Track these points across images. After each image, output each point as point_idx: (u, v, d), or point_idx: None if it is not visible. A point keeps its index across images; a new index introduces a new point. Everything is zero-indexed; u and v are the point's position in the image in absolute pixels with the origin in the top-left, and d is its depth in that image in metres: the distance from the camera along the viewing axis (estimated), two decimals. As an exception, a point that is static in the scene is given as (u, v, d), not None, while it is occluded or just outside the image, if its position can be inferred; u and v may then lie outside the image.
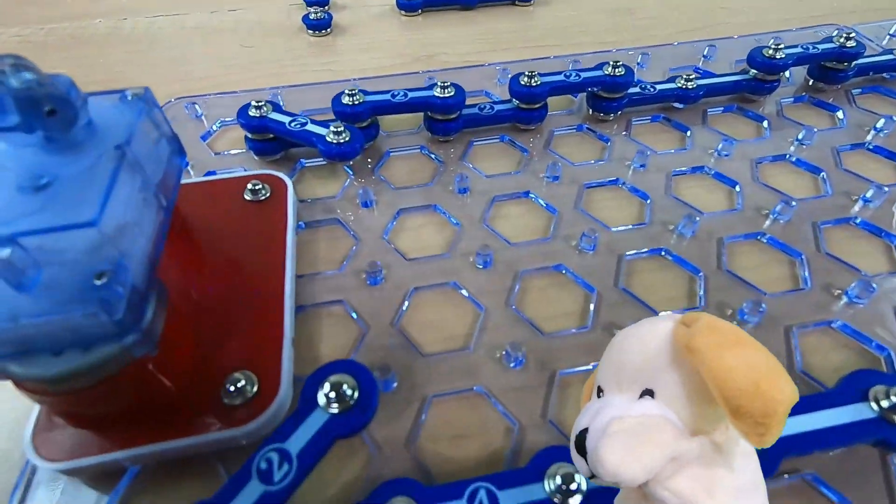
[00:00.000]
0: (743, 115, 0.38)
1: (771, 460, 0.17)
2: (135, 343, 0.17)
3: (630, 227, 0.29)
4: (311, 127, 0.31)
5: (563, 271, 0.27)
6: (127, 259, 0.17)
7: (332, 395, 0.19)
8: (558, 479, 0.18)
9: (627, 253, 0.28)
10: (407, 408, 0.22)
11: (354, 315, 0.25)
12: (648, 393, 0.12)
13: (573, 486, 0.18)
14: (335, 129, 0.29)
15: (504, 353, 0.23)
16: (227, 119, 0.37)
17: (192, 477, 0.20)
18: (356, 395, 0.19)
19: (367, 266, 0.26)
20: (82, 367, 0.17)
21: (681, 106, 0.37)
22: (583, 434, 0.12)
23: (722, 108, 0.38)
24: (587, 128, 0.36)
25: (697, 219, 0.28)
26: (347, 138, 0.30)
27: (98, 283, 0.16)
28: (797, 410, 0.19)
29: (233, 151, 0.35)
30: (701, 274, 0.27)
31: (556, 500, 0.17)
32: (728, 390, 0.10)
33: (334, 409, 0.19)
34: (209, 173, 0.32)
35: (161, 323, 0.19)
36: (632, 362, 0.12)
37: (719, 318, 0.12)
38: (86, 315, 0.16)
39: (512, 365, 0.23)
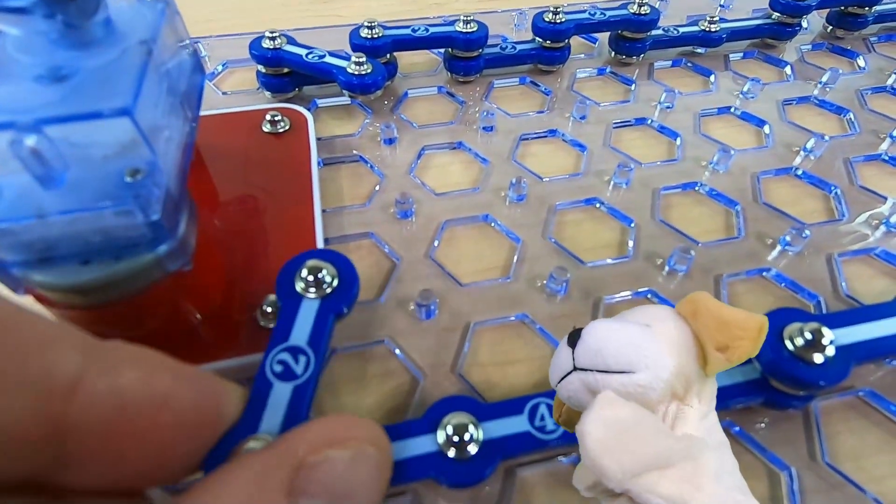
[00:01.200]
0: (764, 61, 0.37)
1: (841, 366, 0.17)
2: (169, 253, 0.16)
3: (661, 162, 0.29)
4: (329, 59, 0.29)
5: (598, 205, 0.26)
6: (160, 161, 0.16)
7: (311, 279, 0.17)
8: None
9: (662, 187, 0.27)
10: (450, 336, 0.21)
11: (386, 247, 0.24)
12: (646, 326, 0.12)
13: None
14: (357, 60, 0.28)
15: (546, 281, 0.22)
16: (232, 59, 0.35)
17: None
18: (335, 279, 0.18)
19: (396, 200, 0.25)
20: (112, 277, 0.15)
21: (702, 51, 0.37)
22: (577, 331, 0.12)
23: (742, 54, 0.37)
24: (610, 71, 0.35)
25: (733, 152, 0.28)
26: (369, 70, 0.28)
27: (131, 180, 0.15)
28: (860, 318, 0.18)
29: (241, 91, 0.33)
30: (738, 207, 0.26)
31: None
32: (718, 311, 0.12)
33: (313, 293, 0.17)
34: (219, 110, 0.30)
35: (194, 237, 0.17)
36: (633, 315, 0.13)
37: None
38: (119, 213, 0.14)
39: (556, 291, 0.22)
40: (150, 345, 0.18)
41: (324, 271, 0.18)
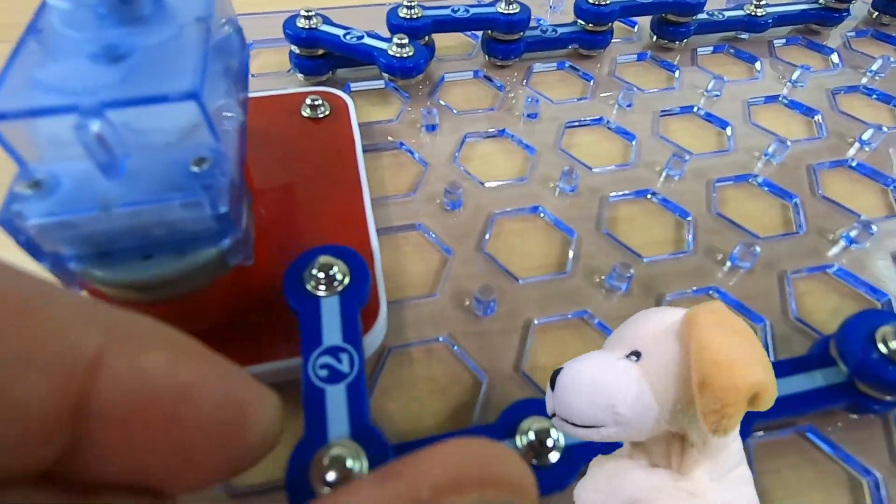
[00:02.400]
0: (807, 48, 0.36)
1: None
2: (232, 247, 0.15)
3: (713, 153, 0.28)
4: (368, 40, 0.28)
5: (650, 196, 0.26)
6: (224, 148, 0.14)
7: (322, 276, 0.17)
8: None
9: (717, 179, 0.26)
10: (509, 333, 0.20)
11: (435, 239, 0.23)
12: (635, 354, 0.11)
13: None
14: (399, 42, 0.27)
15: (606, 276, 0.22)
16: (259, 39, 0.33)
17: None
18: (346, 277, 0.17)
19: (445, 190, 0.24)
20: (174, 272, 0.14)
21: (746, 36, 0.35)
22: (556, 372, 0.11)
23: (785, 40, 0.36)
24: (650, 56, 0.34)
25: (790, 143, 0.27)
26: (412, 52, 0.27)
27: (198, 169, 0.14)
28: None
29: (270, 73, 0.31)
30: (795, 199, 0.25)
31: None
32: (702, 359, 0.09)
33: (323, 291, 0.17)
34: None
35: (254, 230, 0.16)
36: (634, 328, 0.11)
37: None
38: (186, 205, 0.13)
39: (617, 288, 0.21)
40: (208, 342, 0.17)
41: (334, 267, 0.17)
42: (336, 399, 0.14)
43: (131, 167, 0.14)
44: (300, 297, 0.16)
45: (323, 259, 0.17)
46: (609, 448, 0.12)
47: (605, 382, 0.11)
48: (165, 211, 0.13)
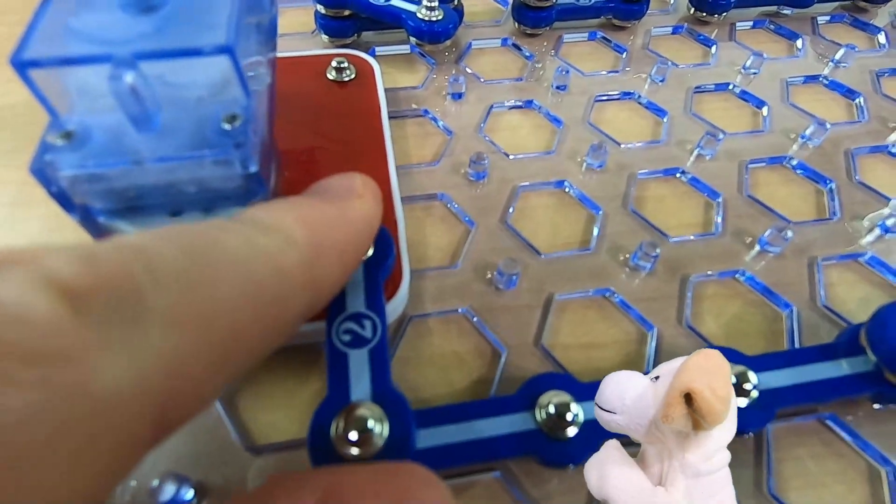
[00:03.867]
0: (852, 26, 0.34)
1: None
2: (260, 208, 0.15)
3: (747, 133, 0.27)
4: (397, 2, 0.27)
5: (679, 175, 0.25)
6: (256, 105, 0.14)
7: None
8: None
9: (750, 160, 0.25)
10: (531, 307, 0.20)
11: (458, 210, 0.23)
12: (657, 377, 0.13)
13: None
14: (428, 5, 0.26)
15: (630, 255, 0.21)
16: (283, -2, 0.33)
17: (304, 367, 0.18)
18: (371, 248, 0.17)
19: (471, 160, 0.23)
20: (202, 231, 0.14)
21: (789, 11, 0.34)
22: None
23: (829, 17, 0.35)
24: (687, 29, 0.33)
25: (829, 126, 0.26)
26: (441, 16, 0.26)
27: (229, 127, 0.13)
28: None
29: (295, 33, 0.31)
30: (831, 185, 0.25)
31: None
32: (678, 370, 0.12)
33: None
34: (274, 55, 0.28)
35: (280, 191, 0.16)
36: (669, 365, 0.14)
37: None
38: (217, 162, 0.13)
39: (642, 267, 0.21)
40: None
41: None
42: (359, 362, 0.14)
43: (163, 121, 0.13)
44: None
45: None
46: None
47: (625, 382, 0.14)
48: (196, 167, 0.13)
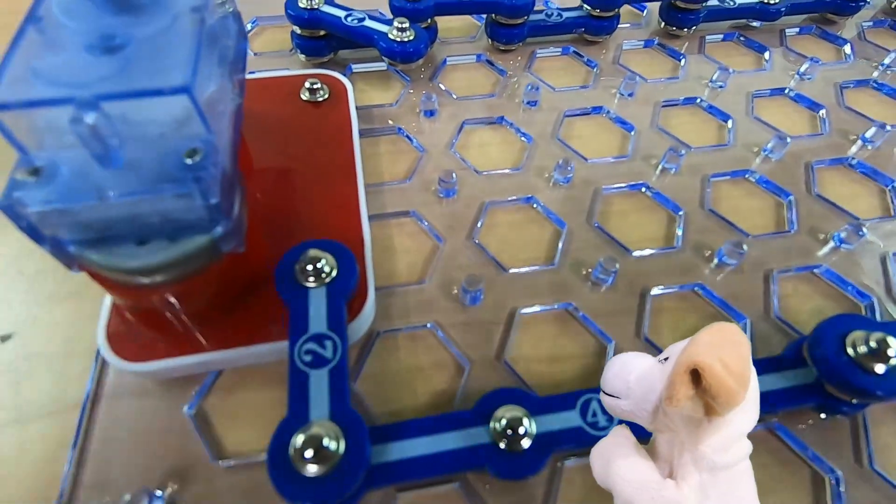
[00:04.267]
0: (821, 38, 0.35)
1: None
2: (224, 235, 0.16)
3: (711, 147, 0.28)
4: (370, 23, 0.28)
5: (644, 190, 0.26)
6: (216, 138, 0.15)
7: (310, 268, 0.17)
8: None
9: (712, 174, 0.26)
10: (494, 323, 0.21)
11: (428, 227, 0.24)
12: (666, 358, 0.12)
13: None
14: (399, 25, 0.27)
15: (592, 270, 0.22)
16: (263, 16, 0.33)
17: (276, 384, 0.19)
18: (334, 269, 0.18)
19: (440, 178, 0.24)
20: (167, 259, 0.15)
21: (758, 24, 0.35)
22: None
23: (798, 29, 0.35)
24: (658, 43, 0.34)
25: (789, 140, 0.27)
26: (412, 37, 0.27)
27: (190, 161, 0.14)
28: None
29: (273, 52, 0.32)
30: (790, 198, 0.25)
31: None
32: (688, 344, 0.11)
33: (312, 282, 0.17)
34: (249, 73, 0.29)
35: (246, 217, 0.17)
36: (680, 344, 0.12)
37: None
38: (178, 196, 0.14)
39: (603, 281, 0.22)
40: (201, 324, 0.18)
41: (322, 261, 0.17)
42: (318, 382, 0.15)
43: (126, 158, 0.14)
44: (289, 288, 0.17)
45: (312, 252, 0.17)
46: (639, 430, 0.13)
47: (629, 363, 0.13)
48: (159, 201, 0.14)
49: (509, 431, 0.16)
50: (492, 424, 0.16)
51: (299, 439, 0.14)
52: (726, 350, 0.10)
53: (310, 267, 0.17)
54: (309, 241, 0.18)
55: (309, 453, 0.13)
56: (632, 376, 0.12)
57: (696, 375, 0.10)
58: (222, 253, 0.16)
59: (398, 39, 0.27)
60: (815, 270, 0.23)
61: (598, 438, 0.16)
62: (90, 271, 0.16)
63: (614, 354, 0.20)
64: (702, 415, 0.11)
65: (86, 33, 0.15)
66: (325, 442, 0.14)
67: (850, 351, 0.17)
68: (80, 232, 0.14)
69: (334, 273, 0.17)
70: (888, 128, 0.27)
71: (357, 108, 0.28)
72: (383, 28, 0.27)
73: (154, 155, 0.14)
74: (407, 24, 0.27)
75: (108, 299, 0.18)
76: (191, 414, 0.18)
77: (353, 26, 0.28)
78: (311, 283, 0.17)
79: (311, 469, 0.14)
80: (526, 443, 0.16)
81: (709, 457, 0.11)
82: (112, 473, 0.17)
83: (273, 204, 0.22)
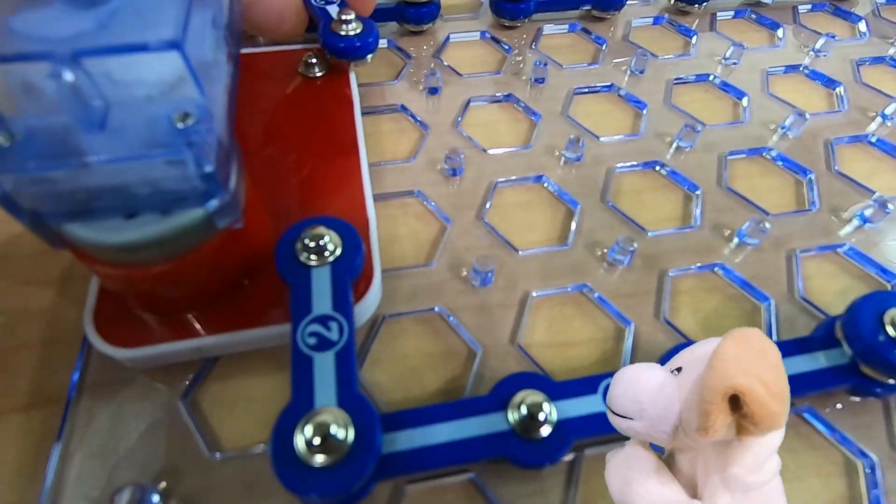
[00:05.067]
0: (834, 14, 0.34)
1: None
2: (221, 209, 0.14)
3: (726, 124, 0.27)
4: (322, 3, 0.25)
5: (658, 168, 0.25)
6: (210, 103, 0.14)
7: (312, 245, 0.16)
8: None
9: (729, 152, 0.25)
10: (507, 305, 0.20)
11: (434, 207, 0.23)
12: (678, 370, 0.11)
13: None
14: (344, 17, 0.23)
15: (608, 250, 0.21)
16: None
17: (276, 369, 0.18)
18: (338, 248, 0.16)
19: (446, 156, 0.23)
20: (158, 235, 0.14)
21: (769, 1, 0.34)
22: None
23: (811, 6, 0.34)
24: (667, 20, 0.32)
25: (808, 116, 0.26)
26: (359, 30, 0.24)
27: (182, 125, 0.13)
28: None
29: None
30: (810, 175, 0.24)
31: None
32: (709, 362, 0.10)
33: (315, 261, 0.16)
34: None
35: (243, 191, 0.16)
36: (690, 352, 0.12)
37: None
38: (169, 162, 0.13)
39: (619, 262, 0.21)
40: (196, 307, 0.17)
41: (325, 238, 0.16)
42: (324, 366, 0.14)
43: (112, 120, 0.13)
44: (291, 267, 0.16)
45: (314, 230, 0.16)
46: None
47: (639, 380, 0.11)
48: (147, 168, 0.13)
49: (530, 418, 0.15)
50: (510, 411, 0.15)
51: (305, 427, 0.13)
52: (760, 365, 0.09)
53: (312, 244, 0.16)
54: (311, 218, 0.17)
55: (316, 442, 0.12)
56: (643, 395, 0.11)
57: (733, 400, 0.09)
58: (218, 229, 0.15)
59: (342, 33, 0.23)
60: (839, 249, 0.22)
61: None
62: (75, 250, 0.15)
63: (633, 338, 0.19)
64: (733, 436, 0.10)
65: (66, -15, 0.13)
66: (333, 430, 0.13)
67: (889, 329, 0.16)
68: (61, 203, 0.13)
69: (338, 251, 0.16)
70: (908, 104, 0.26)
71: (358, 84, 0.27)
72: (333, 10, 0.24)
73: (142, 118, 0.13)
74: (352, 16, 0.24)
75: (95, 279, 0.17)
76: (185, 403, 0.17)
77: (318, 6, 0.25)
78: (314, 261, 0.16)
79: (319, 459, 0.12)
80: (546, 430, 0.15)
81: (741, 478, 0.10)
82: (100, 468, 0.16)
83: (273, 181, 0.20)
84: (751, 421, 0.09)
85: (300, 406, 0.13)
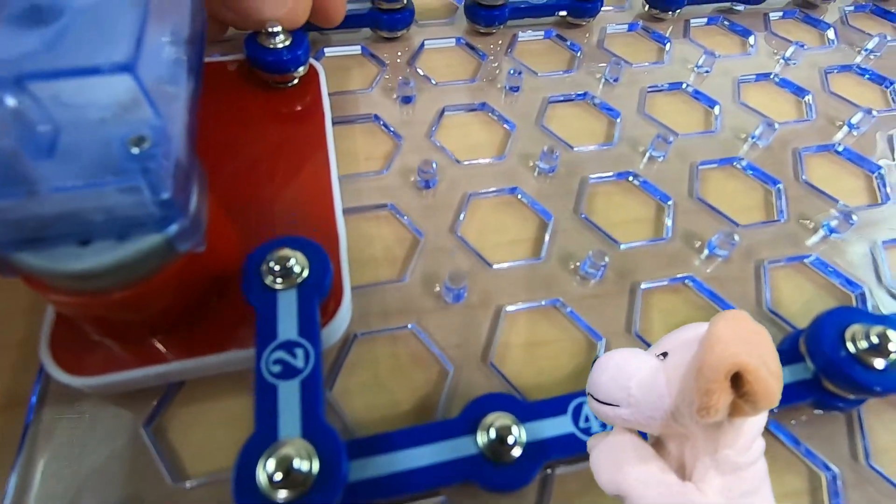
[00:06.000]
0: (804, 22, 0.35)
1: None
2: (180, 233, 0.14)
3: (698, 133, 0.27)
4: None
5: (631, 178, 0.25)
6: (168, 125, 0.13)
7: (278, 268, 0.16)
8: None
9: (701, 161, 0.25)
10: (479, 321, 0.20)
11: (407, 220, 0.22)
12: (664, 354, 0.11)
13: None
14: (270, 29, 0.22)
15: (580, 263, 0.21)
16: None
17: (246, 391, 0.18)
18: (305, 270, 0.16)
19: (419, 168, 0.23)
20: (115, 262, 0.13)
21: (741, 7, 0.34)
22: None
23: (782, 13, 0.35)
24: (642, 27, 0.33)
25: (777, 125, 0.26)
26: (288, 42, 0.23)
27: (137, 150, 0.12)
28: None
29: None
30: (778, 185, 0.25)
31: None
32: (703, 343, 0.10)
33: (280, 284, 0.16)
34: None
35: (206, 212, 0.15)
36: (675, 335, 0.12)
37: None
38: (123, 190, 0.12)
39: (592, 276, 0.21)
40: (160, 332, 0.17)
41: (292, 260, 0.16)
42: (289, 395, 0.14)
43: (64, 146, 0.12)
44: (256, 292, 0.15)
45: (280, 252, 0.16)
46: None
47: (626, 365, 0.11)
48: (100, 196, 0.12)
49: (499, 441, 0.15)
50: (479, 433, 0.15)
51: (267, 462, 0.12)
52: (759, 344, 0.09)
53: (278, 267, 0.15)
54: (277, 239, 0.16)
55: (277, 477, 0.12)
56: (632, 382, 0.11)
57: (734, 378, 0.09)
58: (179, 253, 0.15)
59: (268, 46, 0.23)
60: (805, 260, 0.22)
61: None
62: (27, 278, 0.14)
63: (604, 352, 0.19)
64: (725, 417, 0.10)
65: (12, 2, 0.13)
66: (296, 463, 0.12)
67: (849, 346, 0.16)
68: (11, 232, 0.13)
69: (305, 273, 0.16)
70: (874, 113, 0.27)
71: (331, 93, 0.26)
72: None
73: (95, 143, 0.12)
74: (279, 28, 0.23)
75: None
76: (148, 430, 0.16)
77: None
78: (279, 284, 0.15)
79: (281, 495, 0.12)
80: (516, 452, 0.15)
81: (732, 459, 0.10)
82: (62, 495, 0.15)
83: (239, 197, 0.20)
84: (750, 399, 0.09)
85: (263, 438, 0.13)
